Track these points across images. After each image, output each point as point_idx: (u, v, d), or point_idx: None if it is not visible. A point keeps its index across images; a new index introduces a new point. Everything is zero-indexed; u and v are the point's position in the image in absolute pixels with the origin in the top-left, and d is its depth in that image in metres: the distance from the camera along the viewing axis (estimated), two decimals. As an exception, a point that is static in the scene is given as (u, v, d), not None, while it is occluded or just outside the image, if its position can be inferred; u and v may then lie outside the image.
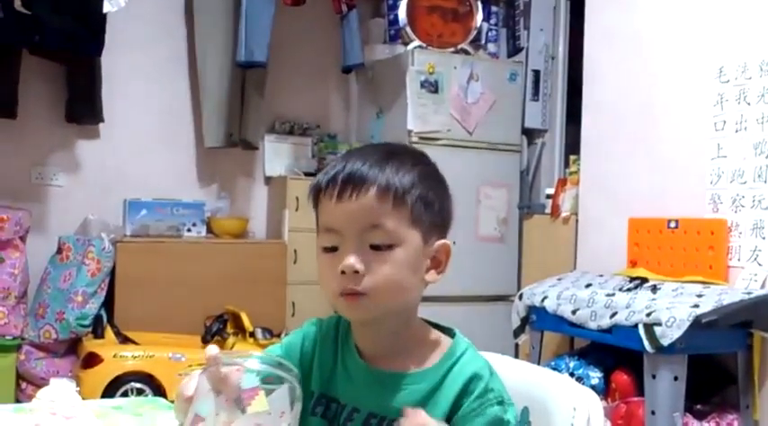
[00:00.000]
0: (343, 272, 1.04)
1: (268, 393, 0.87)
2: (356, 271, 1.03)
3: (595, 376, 2.95)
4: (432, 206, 1.09)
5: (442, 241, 1.11)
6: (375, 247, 1.05)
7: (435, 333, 1.13)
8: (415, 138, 4.06)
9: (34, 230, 3.85)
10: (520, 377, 1.26)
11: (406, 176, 1.07)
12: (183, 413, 0.99)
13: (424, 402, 1.05)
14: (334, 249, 1.07)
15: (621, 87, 3.45)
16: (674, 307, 2.55)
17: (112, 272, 3.75)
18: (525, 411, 1.20)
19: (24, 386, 3.57)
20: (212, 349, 0.94)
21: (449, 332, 1.14)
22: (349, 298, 1.05)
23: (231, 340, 3.53)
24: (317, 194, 1.10)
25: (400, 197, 1.05)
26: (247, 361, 0.90)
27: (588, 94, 3.66)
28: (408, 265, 1.06)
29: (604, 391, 2.90)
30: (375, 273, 1.04)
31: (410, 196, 1.06)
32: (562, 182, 3.94)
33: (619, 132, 3.44)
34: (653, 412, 2.56)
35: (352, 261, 1.04)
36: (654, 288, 2.87)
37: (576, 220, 3.69)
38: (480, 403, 1.04)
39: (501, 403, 1.05)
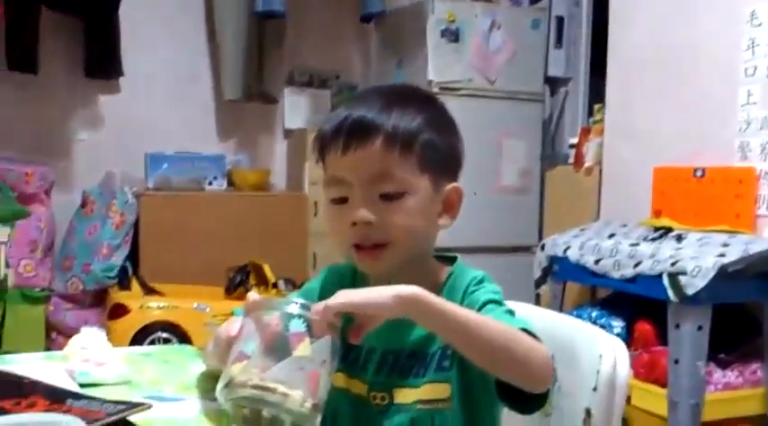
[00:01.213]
0: (354, 224, 1.03)
1: (311, 340, 0.89)
2: (368, 223, 1.02)
3: (617, 325, 2.94)
4: (440, 150, 1.07)
5: (453, 184, 1.10)
6: (385, 196, 1.03)
7: (443, 268, 1.12)
8: (435, 89, 4.02)
9: (58, 184, 3.89)
10: (545, 326, 1.25)
11: (413, 121, 1.05)
12: (217, 358, 1.01)
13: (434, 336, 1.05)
14: (343, 200, 1.05)
15: (648, 32, 3.38)
16: (699, 257, 2.53)
17: (136, 225, 3.78)
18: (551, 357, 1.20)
19: (54, 335, 3.64)
20: (254, 295, 0.94)
21: (453, 260, 1.14)
22: (363, 252, 1.04)
23: (254, 291, 3.55)
24: (322, 145, 1.08)
25: (407, 143, 1.03)
26: (290, 307, 0.91)
27: (614, 39, 3.59)
28: (420, 212, 1.05)
29: (626, 340, 2.90)
30: (388, 223, 1.03)
31: (417, 141, 1.04)
32: (586, 132, 3.88)
33: (645, 78, 3.38)
34: (676, 361, 2.56)
35: (363, 212, 1.02)
36: (679, 238, 2.85)
37: (600, 170, 3.65)
38: (477, 290, 1.06)
39: (496, 293, 1.05)
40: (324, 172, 1.10)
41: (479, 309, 1.02)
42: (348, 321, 0.94)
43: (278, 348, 0.88)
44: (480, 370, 0.97)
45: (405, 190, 1.04)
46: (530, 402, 0.97)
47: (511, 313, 1.03)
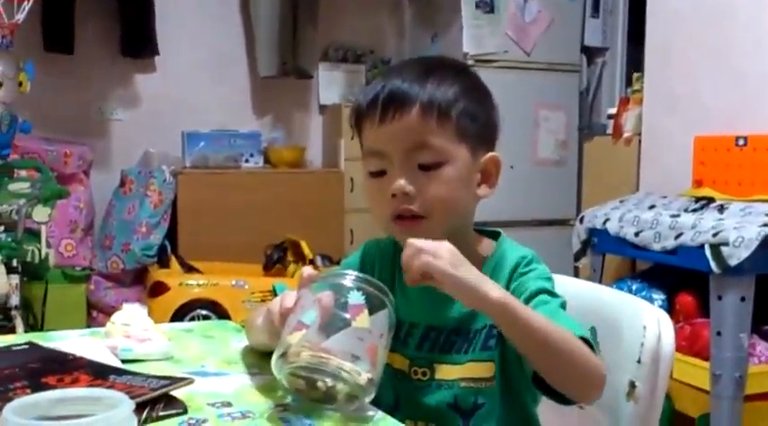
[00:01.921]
0: (393, 196, 1.02)
1: (370, 313, 0.89)
2: (407, 193, 1.02)
3: (658, 298, 2.91)
4: (477, 119, 1.06)
5: (491, 153, 1.09)
6: (423, 167, 1.03)
7: (486, 242, 1.12)
8: (470, 61, 3.97)
9: (97, 164, 3.94)
10: (587, 298, 1.24)
11: (449, 90, 1.04)
12: (267, 333, 1.01)
13: (477, 314, 1.05)
14: (381, 173, 1.05)
15: (687, -1, 3.30)
16: (742, 227, 2.48)
17: (174, 203, 3.81)
18: (593, 331, 1.18)
19: (95, 314, 3.71)
20: (309, 269, 0.95)
21: (496, 235, 1.13)
22: (404, 223, 1.04)
23: (292, 267, 3.58)
24: (358, 117, 1.08)
25: (444, 112, 1.03)
26: (348, 280, 0.91)
27: (652, 7, 3.51)
28: (459, 182, 1.04)
29: (668, 313, 2.86)
30: (427, 194, 1.02)
31: (454, 110, 1.03)
32: (624, 102, 3.82)
33: (684, 46, 3.31)
34: (719, 333, 2.52)
35: (402, 183, 1.02)
36: (721, 208, 2.79)
37: (639, 141, 3.59)
38: (527, 272, 1.05)
39: (548, 279, 1.05)
40: (361, 145, 1.09)
41: (530, 298, 1.01)
42: (396, 296, 0.94)
43: (336, 319, 0.88)
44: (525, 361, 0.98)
45: (443, 159, 1.03)
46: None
47: (563, 305, 1.02)
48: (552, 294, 1.03)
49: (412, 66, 1.09)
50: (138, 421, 0.80)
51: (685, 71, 3.30)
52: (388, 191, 1.03)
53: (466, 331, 1.06)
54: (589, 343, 0.95)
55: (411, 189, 1.02)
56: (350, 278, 0.92)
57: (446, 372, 1.05)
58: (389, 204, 1.04)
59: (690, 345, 2.68)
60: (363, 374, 0.88)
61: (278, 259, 3.65)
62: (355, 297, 0.89)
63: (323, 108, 4.53)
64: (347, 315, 0.88)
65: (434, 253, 0.90)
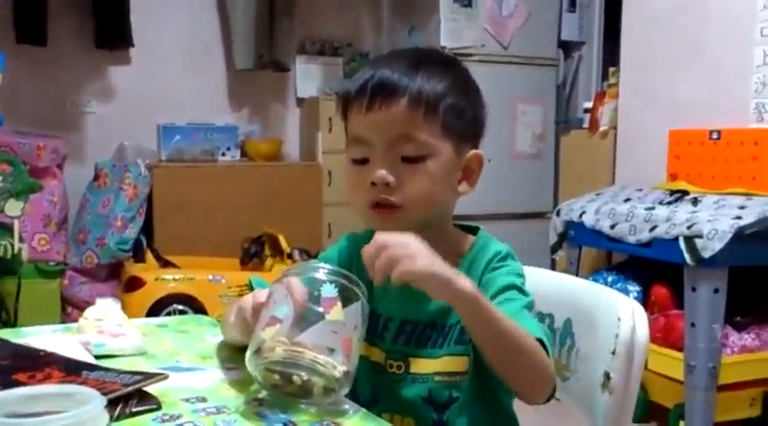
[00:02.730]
0: (373, 184, 1.02)
1: (343, 306, 0.88)
2: (387, 184, 1.02)
3: (634, 290, 2.94)
4: (464, 115, 1.06)
5: (474, 151, 1.08)
6: (406, 159, 1.02)
7: (465, 237, 1.12)
8: (447, 55, 3.97)
9: (71, 157, 3.89)
10: (563, 290, 1.25)
11: (438, 84, 1.04)
12: (239, 329, 1.00)
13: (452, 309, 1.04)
14: (364, 161, 1.05)
15: (663, -6, 3.32)
16: (715, 219, 2.51)
17: (150, 197, 3.78)
18: (568, 322, 1.19)
19: (70, 309, 3.67)
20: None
21: (474, 230, 1.13)
22: (381, 211, 1.04)
23: (269, 262, 3.57)
24: (345, 104, 1.08)
25: (432, 106, 1.02)
26: (320, 273, 0.90)
27: (628, 2, 3.53)
28: (440, 177, 1.04)
29: (643, 305, 2.88)
30: (407, 186, 1.02)
31: (442, 105, 1.03)
32: (600, 96, 3.84)
33: (660, 41, 3.33)
34: (692, 325, 2.55)
35: (383, 173, 1.02)
36: (695, 201, 2.82)
37: (615, 134, 3.62)
38: (500, 267, 1.05)
39: (519, 276, 1.05)
40: (346, 131, 1.09)
41: (498, 292, 1.01)
42: (369, 286, 0.93)
43: (310, 313, 0.88)
44: None
45: (426, 153, 1.03)
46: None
47: (529, 305, 1.02)
48: (521, 291, 1.03)
49: (402, 56, 1.08)
50: (111, 417, 0.79)
51: (660, 66, 3.32)
52: (368, 179, 1.03)
53: (441, 325, 1.06)
54: (544, 346, 0.96)
55: (392, 179, 1.02)
56: (322, 270, 0.91)
57: (421, 366, 1.05)
58: (368, 192, 1.03)
59: (664, 336, 2.71)
60: (339, 367, 0.87)
61: (255, 253, 3.63)
62: (328, 290, 0.88)
63: (300, 101, 4.52)
64: (320, 309, 0.88)
65: (407, 254, 0.89)
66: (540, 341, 0.95)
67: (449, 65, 1.09)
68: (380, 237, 0.91)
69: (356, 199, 1.06)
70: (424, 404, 1.04)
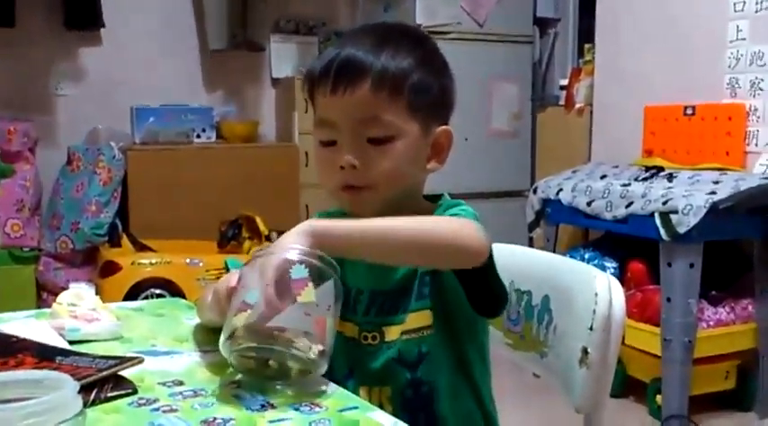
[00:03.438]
0: (342, 168, 1.02)
1: (315, 286, 0.87)
2: (354, 167, 1.02)
3: (610, 266, 2.96)
4: (431, 91, 1.06)
5: (443, 127, 1.08)
6: (373, 141, 1.02)
7: (432, 207, 1.11)
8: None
9: (43, 141, 3.84)
10: (540, 267, 1.25)
11: (404, 61, 1.03)
12: (216, 311, 0.99)
13: (417, 270, 1.06)
14: (331, 143, 1.05)
15: (637, -30, 3.32)
16: (690, 195, 2.53)
17: (124, 181, 3.74)
18: (546, 299, 1.20)
19: (45, 295, 3.63)
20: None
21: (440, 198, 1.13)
22: (350, 192, 1.04)
23: (247, 244, 3.55)
24: (311, 85, 1.07)
25: (397, 86, 1.02)
26: (290, 253, 0.89)
27: (602, -22, 3.53)
28: (408, 157, 1.04)
29: (619, 281, 2.90)
30: (374, 168, 1.02)
31: (407, 84, 1.03)
32: (576, 73, 3.85)
33: (635, 17, 3.33)
34: (668, 299, 2.57)
35: (349, 157, 1.02)
36: (670, 177, 2.84)
37: (591, 111, 3.62)
38: (450, 208, 1.07)
39: (467, 212, 1.05)
40: (313, 112, 1.08)
41: None
42: (342, 264, 0.93)
43: (281, 296, 0.87)
44: (454, 294, 1.02)
45: (393, 134, 1.03)
46: (495, 307, 1.08)
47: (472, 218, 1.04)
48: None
49: (369, 33, 1.08)
50: (86, 402, 0.78)
51: (634, 42, 3.33)
52: (336, 162, 1.03)
53: (410, 290, 1.06)
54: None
55: (358, 163, 1.02)
56: (292, 251, 0.89)
57: (393, 332, 1.06)
58: (338, 175, 1.04)
59: (641, 312, 2.74)
60: (314, 347, 0.87)
61: (233, 235, 3.61)
62: (299, 272, 0.87)
63: (275, 81, 4.48)
64: (292, 291, 0.87)
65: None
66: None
67: (415, 40, 1.08)
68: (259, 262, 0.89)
69: (326, 181, 1.07)
70: (396, 365, 1.05)
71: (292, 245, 0.90)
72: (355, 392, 0.99)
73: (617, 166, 3.18)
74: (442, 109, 1.09)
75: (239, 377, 0.93)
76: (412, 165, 1.05)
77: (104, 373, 0.87)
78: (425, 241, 0.95)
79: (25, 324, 1.12)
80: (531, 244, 3.48)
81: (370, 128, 1.02)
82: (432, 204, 1.12)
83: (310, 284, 0.86)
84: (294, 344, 0.86)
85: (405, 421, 0.81)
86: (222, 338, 0.88)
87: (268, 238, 3.51)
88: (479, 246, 0.97)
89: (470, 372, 1.10)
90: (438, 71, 1.08)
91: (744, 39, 2.85)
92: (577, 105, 3.75)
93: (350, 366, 1.08)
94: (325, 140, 1.06)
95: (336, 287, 0.90)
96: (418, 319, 1.05)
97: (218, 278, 3.25)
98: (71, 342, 1.07)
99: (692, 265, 2.53)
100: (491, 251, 1.00)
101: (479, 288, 1.04)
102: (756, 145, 2.81)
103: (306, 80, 1.09)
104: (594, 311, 1.07)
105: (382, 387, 1.06)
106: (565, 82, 3.93)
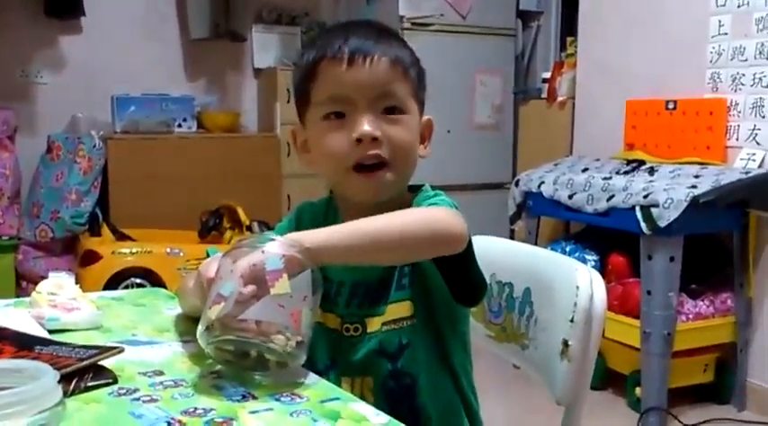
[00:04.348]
0: (358, 141, 1.02)
1: (291, 277, 0.86)
2: (375, 138, 1.03)
3: (591, 259, 2.97)
4: (423, 83, 1.12)
5: (427, 117, 1.14)
6: (389, 110, 1.05)
7: (413, 196, 1.11)
8: (407, 24, 3.95)
9: (22, 129, 3.80)
10: (521, 260, 1.26)
11: (407, 53, 1.10)
12: (198, 296, 0.99)
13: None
14: (340, 116, 1.04)
15: (620, -36, 3.33)
16: (671, 189, 2.54)
17: (105, 170, 3.71)
18: (527, 291, 1.20)
19: (25, 284, 3.60)
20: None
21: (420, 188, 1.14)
22: (365, 173, 1.04)
23: (228, 234, 3.54)
24: (314, 66, 1.06)
25: (407, 69, 1.07)
26: (267, 245, 0.88)
27: (585, -27, 3.53)
28: (415, 134, 1.09)
29: (600, 274, 2.92)
30: (392, 138, 1.04)
31: (413, 70, 1.09)
32: (559, 66, 3.86)
33: (617, 11, 3.34)
34: (648, 293, 2.59)
35: (368, 128, 1.02)
36: (651, 171, 2.86)
37: (573, 104, 3.64)
38: (427, 199, 1.08)
39: (444, 201, 1.06)
40: (314, 93, 1.07)
41: None
42: None
43: (258, 288, 0.86)
44: (433, 283, 1.04)
45: (404, 108, 1.07)
46: (474, 296, 1.09)
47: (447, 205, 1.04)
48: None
49: (365, 27, 1.10)
50: (66, 392, 0.78)
51: (617, 36, 3.34)
52: (350, 137, 1.03)
53: (390, 281, 1.06)
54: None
55: (378, 133, 1.03)
56: (268, 243, 0.89)
57: (375, 323, 1.06)
58: (353, 151, 1.03)
59: (621, 304, 2.75)
60: (292, 338, 0.86)
61: (214, 225, 3.60)
62: (273, 263, 0.86)
63: (258, 71, 4.45)
64: (266, 283, 0.86)
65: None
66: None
67: (402, 38, 1.14)
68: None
69: (335, 160, 1.05)
70: (376, 356, 1.06)
71: (270, 236, 0.90)
72: (337, 383, 0.99)
73: (598, 160, 3.19)
74: (423, 103, 1.14)
75: (220, 367, 0.93)
76: (416, 144, 1.09)
77: (84, 363, 0.87)
78: (413, 237, 0.96)
79: (4, 313, 1.11)
80: (512, 236, 3.49)
81: (385, 100, 1.05)
82: (411, 194, 1.13)
83: (284, 275, 0.86)
84: (270, 337, 0.85)
85: (386, 412, 0.81)
86: (199, 330, 0.88)
87: (249, 228, 3.50)
88: (461, 232, 0.98)
89: (451, 362, 1.10)
90: (422, 67, 1.14)
91: (725, 34, 2.87)
92: (560, 98, 3.76)
93: (332, 357, 1.08)
94: (333, 112, 1.05)
95: (315, 276, 0.89)
96: (398, 310, 1.06)
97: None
98: (51, 332, 1.06)
99: (672, 258, 2.55)
100: (470, 238, 1.01)
101: (459, 277, 1.05)
102: (737, 139, 2.83)
103: (311, 60, 1.06)
104: (576, 304, 1.07)
105: (364, 378, 1.06)
106: (547, 75, 3.94)
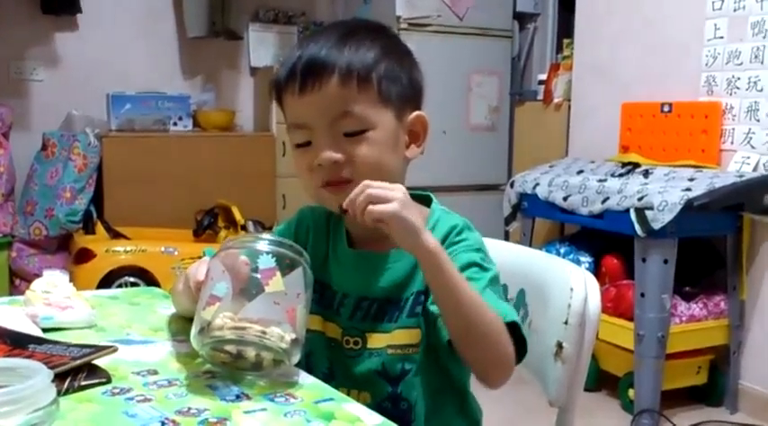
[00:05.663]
0: (320, 165, 1.01)
1: (283, 275, 0.87)
2: (335, 162, 1.01)
3: (586, 261, 2.98)
4: (399, 79, 1.05)
5: (417, 113, 1.08)
6: (349, 134, 1.01)
7: (422, 211, 1.10)
8: (404, 25, 3.95)
9: (17, 126, 3.78)
10: (516, 261, 1.26)
11: (368, 53, 1.03)
12: (187, 296, 0.99)
13: (407, 276, 1.05)
14: (307, 144, 1.04)
15: (617, -34, 3.33)
16: (665, 191, 2.55)
17: (100, 168, 3.70)
18: (522, 293, 1.20)
19: (18, 282, 3.59)
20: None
21: (428, 200, 1.12)
22: (333, 188, 1.02)
23: (223, 233, 3.53)
24: (278, 91, 1.06)
25: (364, 78, 1.01)
26: (258, 244, 0.88)
27: (582, -25, 3.54)
28: (386, 145, 1.03)
29: (594, 275, 2.93)
30: (355, 159, 1.01)
31: (375, 74, 1.02)
32: (555, 68, 3.86)
33: (613, 14, 3.35)
34: (642, 295, 2.60)
35: (328, 153, 1.01)
36: (646, 173, 2.86)
37: (569, 106, 3.64)
38: (458, 242, 1.04)
39: (479, 250, 1.04)
40: (285, 117, 1.08)
41: (460, 272, 0.99)
42: (329, 266, 0.92)
43: (250, 286, 0.86)
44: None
45: (367, 126, 1.02)
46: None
47: (494, 279, 1.02)
48: (483, 268, 1.02)
49: (328, 32, 1.06)
50: (59, 391, 0.78)
51: (614, 39, 3.34)
52: (314, 162, 1.02)
53: (396, 300, 1.05)
54: (518, 330, 0.97)
55: (339, 156, 1.01)
56: (261, 242, 0.90)
57: (376, 340, 1.05)
58: (317, 173, 1.03)
59: (615, 306, 2.76)
60: (286, 336, 0.87)
61: (209, 224, 3.59)
62: (266, 261, 0.87)
63: (254, 70, 4.45)
64: (259, 281, 0.87)
65: (386, 196, 0.90)
66: (513, 325, 0.96)
67: (376, 32, 1.08)
68: (365, 180, 0.92)
69: (307, 183, 1.06)
70: (378, 378, 1.05)
71: (261, 235, 0.91)
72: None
73: (594, 162, 3.20)
74: (413, 95, 1.08)
75: (214, 367, 0.92)
76: (392, 154, 1.04)
77: (78, 362, 0.87)
78: (485, 339, 0.94)
79: (-2, 312, 1.11)
80: (507, 237, 3.50)
81: (343, 122, 1.01)
82: (418, 204, 1.10)
83: (278, 273, 0.86)
84: (265, 335, 0.86)
85: None
86: (193, 332, 0.88)
87: (244, 228, 3.49)
88: (499, 384, 0.98)
89: (457, 387, 1.10)
90: (403, 58, 1.08)
91: (721, 37, 2.88)
92: (555, 100, 3.77)
93: (330, 366, 1.08)
94: (300, 142, 1.04)
95: (306, 274, 0.90)
96: (406, 336, 1.04)
97: (193, 267, 3.24)
98: (45, 330, 1.06)
99: (666, 261, 2.56)
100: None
101: None
102: (732, 143, 2.84)
103: (273, 86, 1.08)
104: (570, 306, 1.07)
105: (361, 392, 1.06)
106: (543, 77, 3.94)
